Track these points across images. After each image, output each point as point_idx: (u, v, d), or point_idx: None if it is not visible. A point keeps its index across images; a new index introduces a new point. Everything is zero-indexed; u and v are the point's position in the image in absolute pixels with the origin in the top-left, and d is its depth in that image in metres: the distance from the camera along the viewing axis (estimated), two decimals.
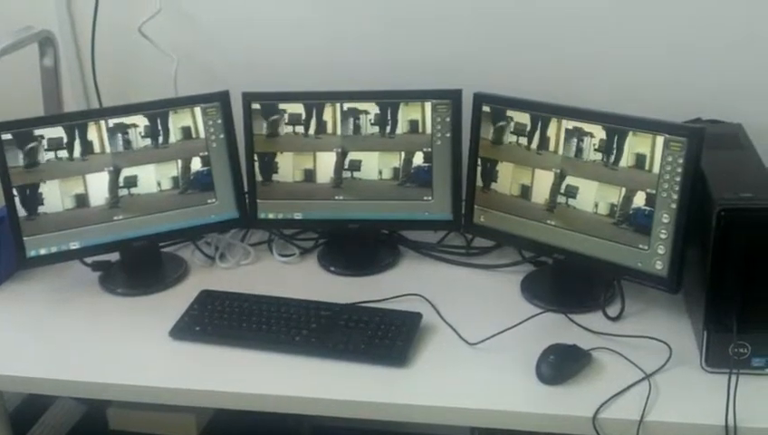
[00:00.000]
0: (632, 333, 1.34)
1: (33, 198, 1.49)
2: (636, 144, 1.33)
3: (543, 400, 1.21)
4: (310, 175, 1.61)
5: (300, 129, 1.59)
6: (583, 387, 1.23)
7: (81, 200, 1.53)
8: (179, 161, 1.58)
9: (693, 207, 1.28)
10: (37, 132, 1.48)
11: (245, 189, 1.64)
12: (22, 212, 1.49)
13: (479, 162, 1.52)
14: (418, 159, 1.57)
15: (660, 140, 1.30)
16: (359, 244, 1.65)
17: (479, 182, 1.53)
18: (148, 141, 1.55)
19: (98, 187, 1.53)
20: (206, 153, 1.59)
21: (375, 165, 1.59)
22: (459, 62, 1.66)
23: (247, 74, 1.72)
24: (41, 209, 1.50)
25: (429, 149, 1.56)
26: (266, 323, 1.39)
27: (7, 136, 1.46)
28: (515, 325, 1.35)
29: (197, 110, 1.57)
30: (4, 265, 1.58)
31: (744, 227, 1.18)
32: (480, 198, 1.54)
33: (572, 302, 1.43)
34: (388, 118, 1.56)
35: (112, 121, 1.53)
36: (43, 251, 1.52)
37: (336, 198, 1.62)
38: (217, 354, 1.35)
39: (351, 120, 1.57)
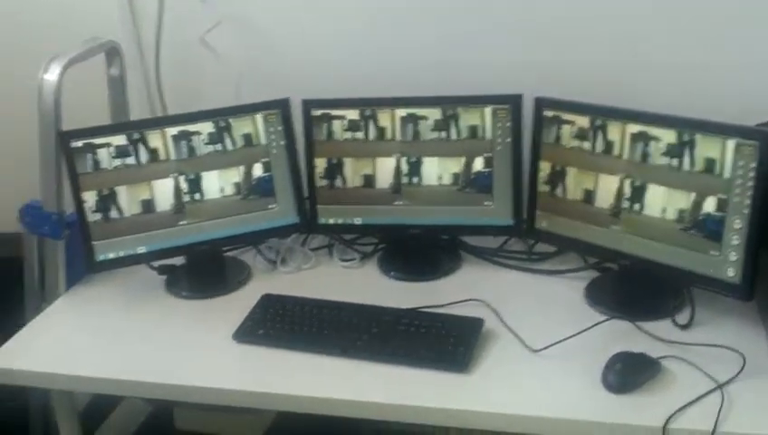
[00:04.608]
0: (703, 341, 1.30)
1: (101, 204, 1.54)
2: (705, 148, 1.29)
3: (610, 409, 1.18)
4: (369, 180, 1.61)
5: (359, 134, 1.59)
6: (652, 396, 1.20)
7: (148, 206, 1.57)
8: (241, 167, 1.60)
9: (766, 212, 1.24)
10: (105, 140, 1.52)
11: (306, 195, 1.65)
12: (91, 217, 1.53)
13: (540, 167, 1.50)
14: (479, 164, 1.56)
15: (731, 143, 1.26)
16: (419, 249, 1.65)
17: (541, 187, 1.51)
18: (210, 148, 1.58)
19: (163, 192, 1.57)
20: (268, 159, 1.62)
21: (435, 170, 1.58)
22: (519, 66, 1.64)
23: (307, 82, 1.74)
24: (110, 214, 1.54)
25: (490, 155, 1.55)
26: (327, 328, 1.39)
27: (77, 144, 1.51)
28: (580, 332, 1.33)
29: (258, 117, 1.60)
30: (76, 269, 1.63)
31: None
32: (542, 203, 1.52)
33: (639, 309, 1.40)
34: (448, 123, 1.55)
35: (176, 129, 1.56)
36: (111, 255, 1.56)
37: (396, 203, 1.62)
38: (280, 357, 1.36)
39: (411, 125, 1.57)
